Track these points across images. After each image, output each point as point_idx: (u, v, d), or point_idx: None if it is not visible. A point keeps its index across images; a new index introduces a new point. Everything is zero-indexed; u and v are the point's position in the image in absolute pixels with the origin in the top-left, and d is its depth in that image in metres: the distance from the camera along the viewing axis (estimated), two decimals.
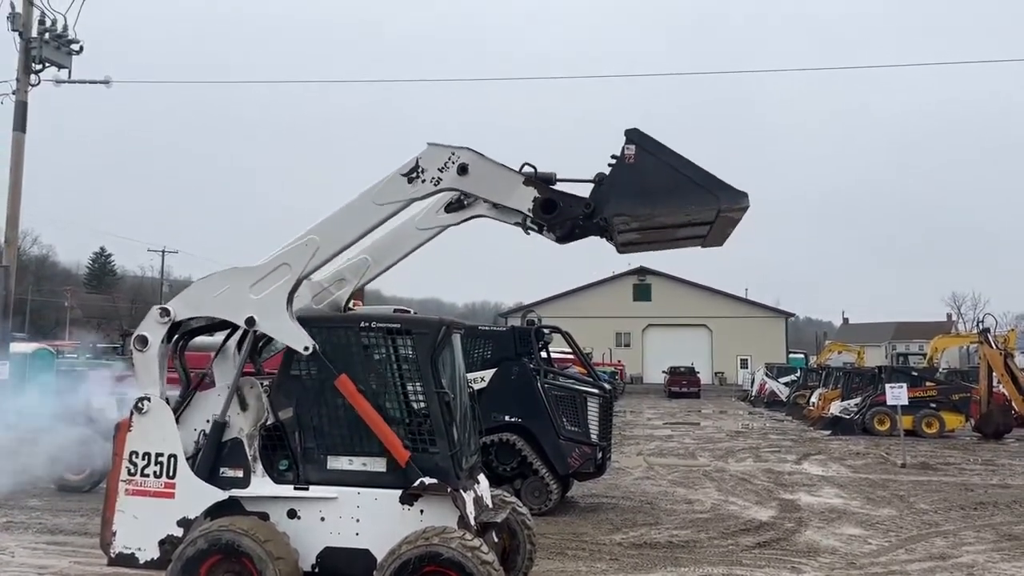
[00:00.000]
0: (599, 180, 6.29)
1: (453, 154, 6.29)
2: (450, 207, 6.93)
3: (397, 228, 7.23)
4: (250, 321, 6.26)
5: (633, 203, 6.15)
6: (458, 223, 7.02)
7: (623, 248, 7.03)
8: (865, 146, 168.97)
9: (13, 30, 20.85)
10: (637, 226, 6.52)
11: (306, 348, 6.18)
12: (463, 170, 6.26)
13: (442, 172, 6.29)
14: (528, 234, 6.61)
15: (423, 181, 6.31)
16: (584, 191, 6.41)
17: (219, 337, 6.88)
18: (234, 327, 6.67)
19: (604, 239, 6.74)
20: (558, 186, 6.41)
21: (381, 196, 6.34)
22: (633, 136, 6.17)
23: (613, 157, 6.24)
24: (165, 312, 6.40)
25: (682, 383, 47.60)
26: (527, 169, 6.33)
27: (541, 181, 6.30)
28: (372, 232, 6.58)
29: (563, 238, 6.46)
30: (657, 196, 6.13)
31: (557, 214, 6.24)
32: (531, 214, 6.27)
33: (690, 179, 6.11)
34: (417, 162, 6.32)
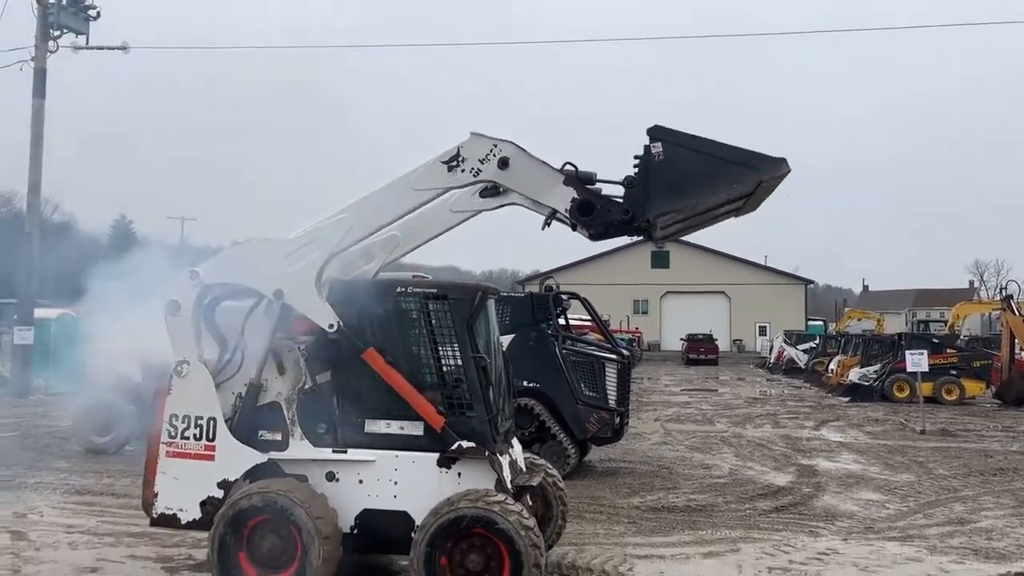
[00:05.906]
0: (628, 183, 6.24)
1: (496, 146, 6.26)
2: (485, 192, 6.92)
3: (430, 208, 7.23)
4: (278, 294, 6.30)
5: (674, 198, 6.11)
6: (492, 208, 7.02)
7: (662, 241, 7.09)
8: (887, 111, 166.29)
9: None
10: (681, 218, 6.52)
11: (331, 326, 6.24)
12: (504, 164, 6.24)
13: (483, 164, 6.28)
14: (550, 226, 6.55)
15: (463, 171, 6.31)
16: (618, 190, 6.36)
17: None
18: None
19: (641, 238, 6.73)
20: (596, 186, 6.33)
21: (420, 182, 6.36)
22: (656, 133, 6.11)
23: (636, 158, 6.17)
24: (194, 274, 6.42)
25: (700, 350, 47.62)
26: (568, 168, 6.28)
27: (580, 182, 6.25)
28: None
29: (597, 236, 6.44)
30: (696, 185, 6.09)
31: (594, 216, 6.21)
32: (568, 215, 6.24)
33: (725, 160, 6.07)
34: (459, 151, 6.32)
